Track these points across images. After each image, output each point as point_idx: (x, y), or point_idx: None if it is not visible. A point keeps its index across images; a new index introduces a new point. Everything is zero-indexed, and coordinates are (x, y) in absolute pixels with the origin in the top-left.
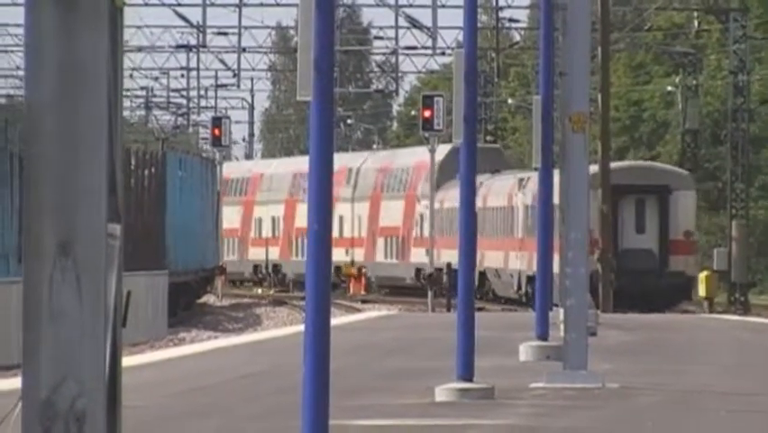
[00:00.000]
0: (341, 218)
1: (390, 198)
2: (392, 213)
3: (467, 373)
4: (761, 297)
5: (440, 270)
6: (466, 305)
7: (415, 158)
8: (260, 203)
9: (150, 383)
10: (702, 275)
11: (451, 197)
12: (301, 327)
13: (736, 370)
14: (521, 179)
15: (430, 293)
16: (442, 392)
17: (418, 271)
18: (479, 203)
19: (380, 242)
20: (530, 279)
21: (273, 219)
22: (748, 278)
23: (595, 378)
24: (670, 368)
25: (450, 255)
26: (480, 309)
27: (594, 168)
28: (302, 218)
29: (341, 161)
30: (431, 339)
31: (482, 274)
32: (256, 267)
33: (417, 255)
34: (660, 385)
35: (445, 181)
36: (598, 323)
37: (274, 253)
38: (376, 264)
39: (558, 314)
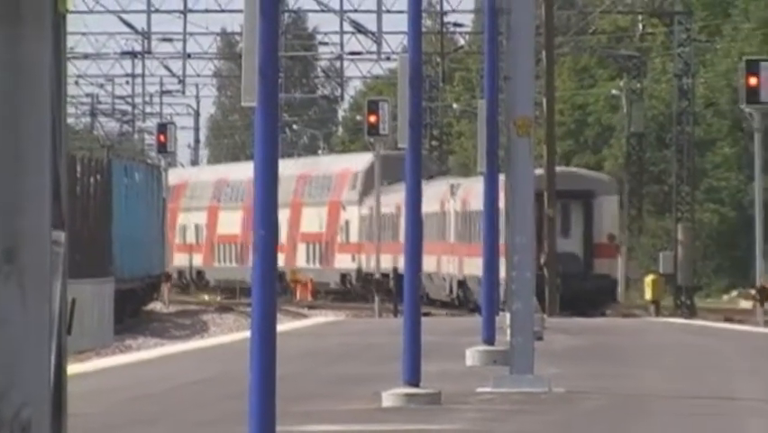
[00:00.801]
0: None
1: (312, 205)
2: (314, 219)
3: (414, 378)
4: (707, 300)
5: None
6: (412, 310)
7: (338, 166)
8: (184, 210)
9: (97, 391)
10: (648, 279)
11: (385, 202)
12: (248, 334)
13: (682, 373)
14: (452, 185)
15: (377, 298)
16: (389, 398)
17: (343, 276)
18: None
19: (302, 247)
20: (460, 283)
21: (196, 226)
22: (694, 281)
23: (541, 382)
24: (616, 372)
25: (384, 260)
26: (426, 314)
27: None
28: (223, 225)
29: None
30: (378, 344)
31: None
32: (180, 273)
33: (342, 261)
34: (606, 389)
35: (370, 189)
36: (544, 327)
37: (197, 260)
38: (296, 269)
39: (504, 318)
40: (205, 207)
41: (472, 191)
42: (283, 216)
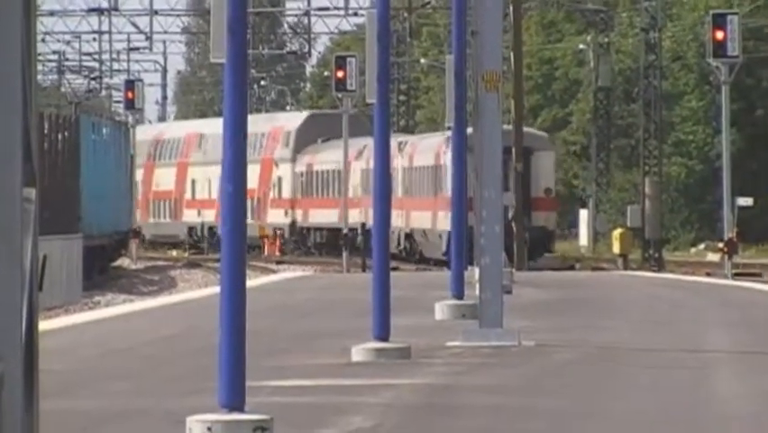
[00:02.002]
0: (193, 182)
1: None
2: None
3: (383, 332)
4: (675, 253)
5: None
6: (381, 265)
7: (271, 124)
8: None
9: (67, 347)
10: (616, 232)
11: (320, 160)
12: (217, 289)
13: (650, 326)
14: (399, 143)
15: (345, 253)
16: (358, 352)
17: (275, 230)
18: (363, 165)
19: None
20: (407, 235)
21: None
22: (662, 235)
23: (511, 336)
24: (585, 325)
25: (324, 215)
26: (394, 269)
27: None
28: (158, 183)
29: (193, 127)
30: (346, 300)
31: (369, 232)
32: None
33: (275, 216)
34: (576, 342)
35: (303, 146)
36: (513, 281)
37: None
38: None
39: (473, 273)
40: (141, 165)
41: (418, 148)
42: (214, 173)
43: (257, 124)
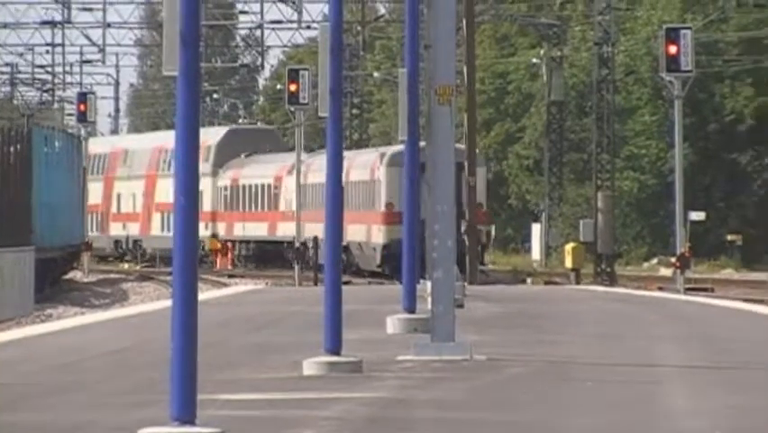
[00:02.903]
0: (118, 196)
1: (166, 177)
2: (169, 190)
3: (335, 346)
4: (627, 268)
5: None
6: (333, 278)
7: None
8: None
9: (16, 360)
10: (569, 246)
11: (246, 174)
12: (169, 303)
13: (602, 340)
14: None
15: (296, 267)
16: (310, 366)
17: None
18: (302, 180)
19: (157, 216)
20: (344, 248)
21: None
22: (614, 249)
23: (463, 350)
24: (537, 339)
25: (251, 228)
26: (346, 283)
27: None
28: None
29: (121, 142)
30: (298, 313)
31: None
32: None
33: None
34: (527, 356)
35: (225, 161)
36: (465, 295)
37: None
38: (151, 237)
39: (426, 286)
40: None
41: (354, 163)
42: (138, 187)
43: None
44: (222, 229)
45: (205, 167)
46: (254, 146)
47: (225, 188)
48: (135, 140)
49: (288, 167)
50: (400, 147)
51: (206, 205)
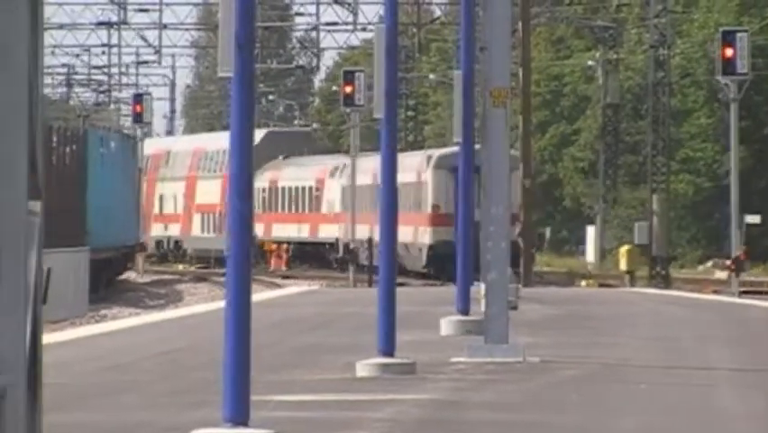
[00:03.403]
0: (160, 197)
1: (207, 178)
2: (209, 191)
3: (388, 347)
4: (682, 271)
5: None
6: (387, 280)
7: (227, 142)
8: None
9: (71, 361)
10: (623, 249)
11: (285, 176)
12: (223, 303)
13: (656, 343)
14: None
15: (351, 268)
16: (363, 368)
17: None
18: (345, 182)
19: (197, 217)
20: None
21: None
22: (669, 252)
23: (516, 352)
24: (590, 341)
25: (291, 230)
26: (401, 285)
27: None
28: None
29: (163, 144)
30: (352, 314)
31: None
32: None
33: None
34: (580, 358)
35: (262, 162)
36: (519, 297)
37: (175, 230)
38: (192, 238)
39: (480, 288)
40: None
41: (400, 165)
42: (179, 188)
43: (218, 141)
44: (259, 230)
45: None
46: (292, 148)
47: (263, 190)
48: (176, 142)
49: (329, 169)
50: (447, 150)
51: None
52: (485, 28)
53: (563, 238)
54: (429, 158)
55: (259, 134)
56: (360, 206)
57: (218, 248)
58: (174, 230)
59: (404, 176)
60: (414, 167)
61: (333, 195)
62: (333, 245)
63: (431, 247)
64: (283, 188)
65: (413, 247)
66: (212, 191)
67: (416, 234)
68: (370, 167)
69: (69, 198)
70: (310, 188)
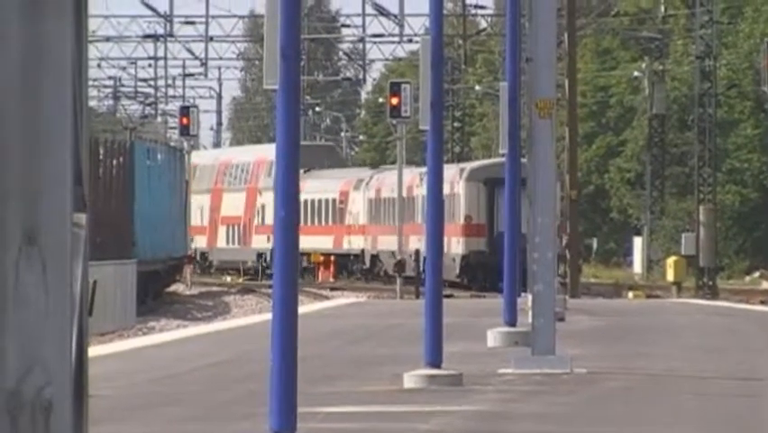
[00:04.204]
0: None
1: (232, 191)
2: (233, 204)
3: (435, 359)
4: (729, 281)
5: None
6: (434, 291)
7: (255, 155)
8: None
9: (119, 372)
10: (670, 260)
11: (306, 189)
12: (270, 315)
13: (704, 354)
14: (421, 173)
15: (399, 280)
16: (410, 379)
17: (260, 255)
18: (372, 194)
19: (222, 229)
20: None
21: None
22: (716, 262)
23: (563, 363)
24: (638, 352)
25: (313, 242)
26: (448, 297)
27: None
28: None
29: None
30: (399, 326)
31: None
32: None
33: (258, 241)
34: (628, 370)
35: None
36: (566, 308)
37: (201, 242)
38: (217, 250)
39: (526, 300)
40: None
41: (384, 181)
42: (205, 201)
43: (244, 154)
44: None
45: (267, 181)
46: (314, 162)
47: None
48: (203, 156)
49: (353, 182)
50: (478, 162)
51: (269, 218)
52: (531, 39)
53: (611, 249)
54: (462, 170)
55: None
56: (386, 218)
57: (242, 259)
58: (200, 242)
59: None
60: (447, 179)
61: (357, 207)
62: (357, 256)
63: (464, 257)
64: (305, 201)
65: (446, 257)
66: (236, 204)
67: (449, 244)
68: (393, 181)
69: (117, 211)
70: (334, 201)
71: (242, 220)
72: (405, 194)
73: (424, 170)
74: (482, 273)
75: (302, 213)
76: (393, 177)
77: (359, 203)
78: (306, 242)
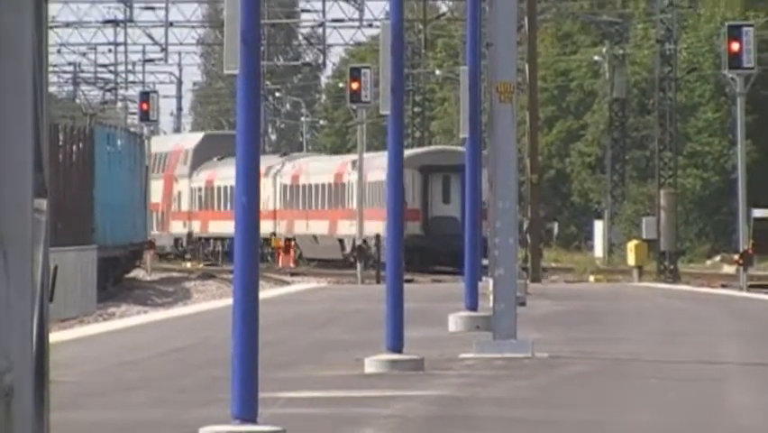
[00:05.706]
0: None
1: (153, 179)
2: (154, 191)
3: (396, 344)
4: (690, 265)
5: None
6: (395, 276)
7: (171, 144)
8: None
9: (80, 358)
10: (631, 244)
11: (221, 176)
12: (230, 301)
13: (666, 338)
14: (353, 161)
15: (359, 265)
16: (371, 364)
17: (176, 240)
18: (286, 181)
19: None
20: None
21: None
22: (677, 246)
23: (524, 347)
24: (599, 337)
25: (218, 226)
26: (408, 281)
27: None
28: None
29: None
30: (360, 311)
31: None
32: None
33: (175, 227)
34: (589, 354)
35: (200, 163)
36: (527, 293)
37: (195, 227)
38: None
39: (487, 284)
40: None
41: (302, 168)
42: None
43: (163, 144)
44: (196, 227)
45: (183, 169)
46: (228, 150)
47: (199, 189)
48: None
49: (264, 169)
50: (413, 150)
51: (184, 205)
52: (491, 24)
53: (571, 234)
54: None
55: (197, 138)
56: (303, 204)
57: (161, 244)
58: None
59: (378, 174)
60: (386, 166)
61: (267, 193)
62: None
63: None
64: (218, 188)
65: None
66: (156, 192)
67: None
68: (314, 168)
69: (77, 197)
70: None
71: (161, 207)
72: (333, 180)
73: (352, 157)
74: (418, 256)
75: (213, 199)
76: (314, 164)
77: (269, 189)
78: (214, 227)
